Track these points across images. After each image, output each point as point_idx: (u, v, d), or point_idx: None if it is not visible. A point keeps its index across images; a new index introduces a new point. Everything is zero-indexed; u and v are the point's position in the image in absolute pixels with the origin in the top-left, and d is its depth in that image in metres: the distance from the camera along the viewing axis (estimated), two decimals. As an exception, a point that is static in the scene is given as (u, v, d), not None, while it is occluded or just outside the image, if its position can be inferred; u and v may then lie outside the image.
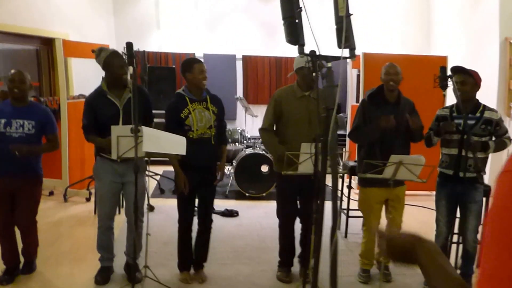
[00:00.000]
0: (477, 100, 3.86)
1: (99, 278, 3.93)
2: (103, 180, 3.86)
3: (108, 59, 3.76)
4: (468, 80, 3.74)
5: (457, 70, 3.80)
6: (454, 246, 4.26)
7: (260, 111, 6.86)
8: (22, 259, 4.06)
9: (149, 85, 8.46)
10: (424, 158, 3.46)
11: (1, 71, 7.21)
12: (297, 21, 2.36)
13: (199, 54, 9.13)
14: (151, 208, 5.94)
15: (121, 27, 9.17)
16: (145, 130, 3.35)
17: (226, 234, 5.33)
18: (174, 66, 8.74)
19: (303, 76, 3.95)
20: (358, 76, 7.73)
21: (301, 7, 2.34)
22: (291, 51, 9.30)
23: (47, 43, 6.92)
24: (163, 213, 5.83)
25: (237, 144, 7.18)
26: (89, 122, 3.78)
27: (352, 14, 2.34)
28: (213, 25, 9.35)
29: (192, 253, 4.13)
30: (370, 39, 9.18)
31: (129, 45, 3.52)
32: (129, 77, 3.92)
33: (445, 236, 3.96)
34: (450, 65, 5.50)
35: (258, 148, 6.74)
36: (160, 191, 6.81)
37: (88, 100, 3.86)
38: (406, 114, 3.90)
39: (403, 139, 3.98)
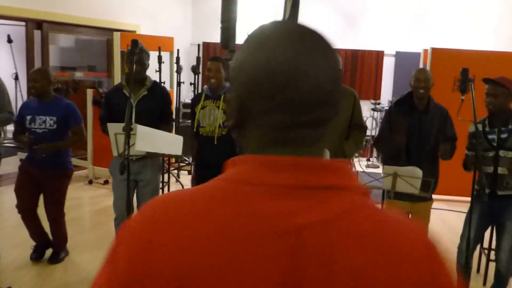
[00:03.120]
0: (510, 110, 3.44)
1: None
2: (117, 178, 3.91)
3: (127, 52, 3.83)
4: (501, 91, 3.36)
5: (488, 81, 3.45)
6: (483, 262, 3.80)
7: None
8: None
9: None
10: (420, 171, 3.11)
11: (77, 61, 7.73)
12: (231, 25, 2.25)
13: (270, 46, 8.99)
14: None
15: (199, 19, 9.31)
16: (139, 128, 3.32)
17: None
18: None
19: None
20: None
21: (233, 15, 2.23)
22: (372, 43, 8.87)
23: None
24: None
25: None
26: (104, 114, 3.91)
27: (289, 18, 2.14)
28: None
29: None
30: (461, 35, 8.46)
31: (134, 43, 3.54)
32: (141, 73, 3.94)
33: (466, 254, 3.57)
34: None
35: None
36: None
37: (106, 93, 4.06)
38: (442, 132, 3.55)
39: (431, 150, 3.64)
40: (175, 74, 6.99)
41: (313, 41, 0.74)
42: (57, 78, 7.39)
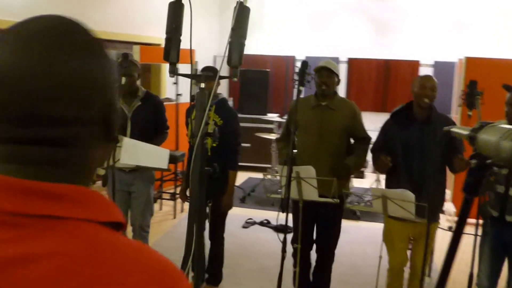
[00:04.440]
0: None
1: None
2: (110, 188, 3.91)
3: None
4: None
5: (508, 88, 3.09)
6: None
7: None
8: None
9: (241, 89, 8.47)
10: (411, 194, 2.81)
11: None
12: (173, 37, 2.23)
13: (300, 57, 8.82)
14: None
15: (225, 30, 9.27)
16: (125, 141, 3.31)
17: (261, 250, 5.02)
18: (268, 70, 8.57)
19: (315, 83, 3.62)
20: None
21: (175, 25, 2.19)
22: (407, 53, 8.46)
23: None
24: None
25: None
26: None
27: (236, 29, 2.01)
28: (319, 25, 8.93)
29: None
30: (504, 43, 8.00)
31: (124, 56, 3.58)
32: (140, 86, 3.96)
33: None
34: None
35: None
36: (241, 200, 6.72)
37: None
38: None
39: (436, 166, 3.31)
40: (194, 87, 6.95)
41: (53, 40, 0.64)
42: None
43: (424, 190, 3.24)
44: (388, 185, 3.54)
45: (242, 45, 2.03)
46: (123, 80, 3.65)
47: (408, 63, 8.58)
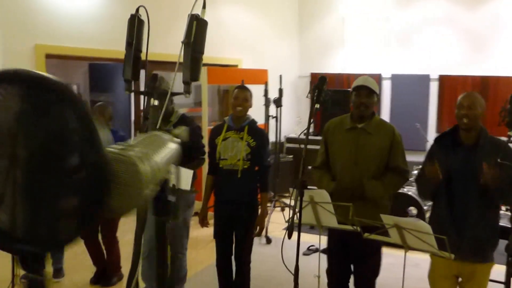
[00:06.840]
0: None
1: None
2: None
3: None
4: None
5: None
6: None
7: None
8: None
9: (321, 110, 8.17)
10: (427, 225, 2.38)
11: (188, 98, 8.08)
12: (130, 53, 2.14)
13: (386, 75, 8.34)
14: (268, 241, 5.81)
15: (305, 48, 9.09)
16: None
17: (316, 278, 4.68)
18: (349, 89, 8.19)
19: (352, 103, 3.34)
20: None
21: (131, 41, 2.09)
22: (508, 68, 7.64)
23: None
24: (278, 247, 5.45)
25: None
26: None
27: (188, 43, 1.88)
28: (405, 40, 8.36)
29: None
30: None
31: (153, 77, 3.54)
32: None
33: None
34: None
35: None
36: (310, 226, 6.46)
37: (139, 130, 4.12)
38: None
39: (483, 195, 2.80)
40: (273, 107, 6.80)
41: None
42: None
43: (467, 224, 2.79)
44: (430, 217, 3.14)
45: (196, 60, 1.89)
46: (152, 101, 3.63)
47: (509, 80, 7.70)
